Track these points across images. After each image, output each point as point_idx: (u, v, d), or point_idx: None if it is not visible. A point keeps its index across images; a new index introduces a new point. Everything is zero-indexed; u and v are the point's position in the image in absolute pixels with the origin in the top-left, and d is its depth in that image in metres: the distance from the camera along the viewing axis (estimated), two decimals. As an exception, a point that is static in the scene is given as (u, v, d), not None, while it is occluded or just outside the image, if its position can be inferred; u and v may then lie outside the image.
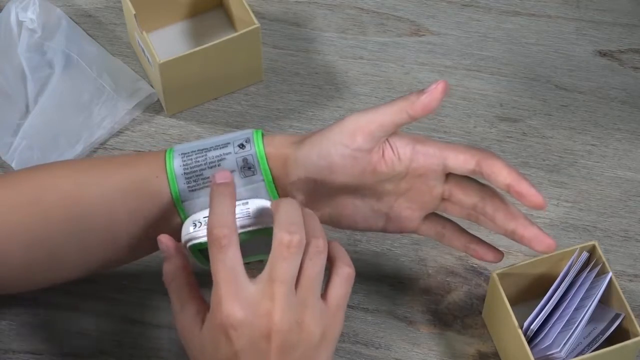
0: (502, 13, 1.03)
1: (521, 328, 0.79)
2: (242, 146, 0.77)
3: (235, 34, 0.94)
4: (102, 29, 1.02)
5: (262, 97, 0.98)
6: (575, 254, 0.81)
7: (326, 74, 1.00)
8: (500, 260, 0.81)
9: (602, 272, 0.81)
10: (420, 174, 0.77)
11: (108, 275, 0.87)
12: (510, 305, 0.80)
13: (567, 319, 0.79)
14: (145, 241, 0.78)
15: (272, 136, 0.78)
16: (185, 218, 0.76)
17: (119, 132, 0.97)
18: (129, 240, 0.78)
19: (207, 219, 0.73)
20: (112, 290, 0.88)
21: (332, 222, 0.80)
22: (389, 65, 1.00)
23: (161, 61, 0.92)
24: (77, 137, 0.95)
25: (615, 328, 0.80)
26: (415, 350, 0.85)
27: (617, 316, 0.81)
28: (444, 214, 0.80)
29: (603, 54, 1.01)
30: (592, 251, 0.82)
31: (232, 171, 0.76)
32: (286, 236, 0.69)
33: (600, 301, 0.80)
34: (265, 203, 0.74)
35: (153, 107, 0.98)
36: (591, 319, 0.80)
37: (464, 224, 0.81)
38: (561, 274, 0.80)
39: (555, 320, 0.79)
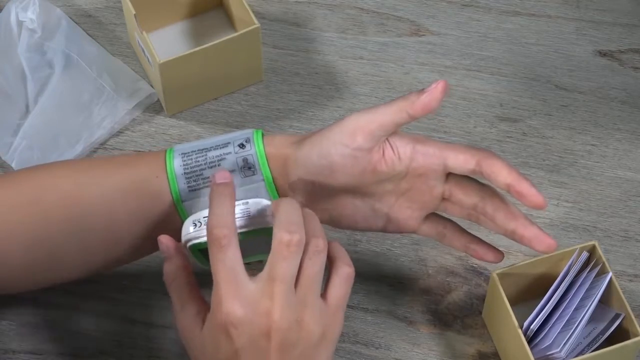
0: (502, 13, 1.03)
1: (521, 328, 0.79)
2: (242, 146, 0.77)
3: (235, 34, 0.94)
4: (102, 29, 1.02)
5: (262, 97, 0.98)
6: (575, 254, 0.81)
7: (326, 74, 1.00)
8: (501, 260, 0.81)
9: (602, 272, 0.81)
10: (420, 173, 0.77)
11: (108, 275, 0.87)
12: (510, 305, 0.80)
13: (567, 319, 0.79)
14: (146, 241, 0.78)
15: (272, 136, 0.78)
16: (186, 218, 0.76)
17: (119, 132, 0.97)
18: (129, 240, 0.78)
19: (207, 219, 0.73)
20: (113, 290, 0.88)
21: (332, 222, 0.80)
22: (389, 65, 1.00)
23: (161, 61, 0.92)
24: (77, 137, 0.95)
25: (615, 328, 0.80)
26: (415, 351, 0.85)
27: (617, 316, 0.81)
28: (444, 214, 0.80)
29: (603, 54, 1.01)
30: (592, 251, 0.82)
31: (232, 171, 0.76)
32: (286, 235, 0.69)
33: (600, 301, 0.80)
34: (266, 203, 0.74)
35: (153, 107, 0.98)
36: (591, 319, 0.80)
37: (464, 224, 0.81)
38: (561, 274, 0.80)
39: (555, 320, 0.79)
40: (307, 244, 0.70)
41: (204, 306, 0.72)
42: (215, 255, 0.69)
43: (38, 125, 0.96)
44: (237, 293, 0.69)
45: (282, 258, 0.69)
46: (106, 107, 0.97)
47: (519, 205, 0.79)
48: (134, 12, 0.94)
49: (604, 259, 0.81)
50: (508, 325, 0.80)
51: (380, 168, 0.76)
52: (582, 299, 0.80)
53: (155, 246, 0.77)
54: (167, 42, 1.00)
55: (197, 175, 0.76)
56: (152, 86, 0.98)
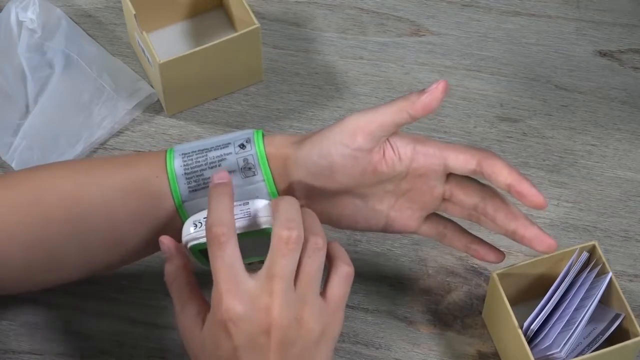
0: (502, 13, 1.03)
1: (521, 328, 0.79)
2: (242, 146, 0.77)
3: (235, 34, 0.94)
4: (102, 29, 1.02)
5: (262, 97, 0.98)
6: (575, 254, 0.81)
7: (326, 74, 1.00)
8: (502, 260, 0.81)
9: (602, 272, 0.81)
10: (420, 174, 0.77)
11: (108, 275, 0.87)
12: (510, 305, 0.80)
13: (567, 319, 0.79)
14: (146, 242, 0.78)
15: (273, 136, 0.78)
16: (186, 218, 0.76)
17: (119, 132, 0.97)
18: (130, 241, 0.78)
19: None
20: (113, 291, 0.88)
21: (333, 222, 0.80)
22: (389, 65, 1.00)
23: (161, 61, 0.92)
24: (77, 137, 0.95)
25: (615, 328, 0.80)
26: (415, 351, 0.85)
27: (617, 316, 0.81)
28: (445, 215, 0.80)
29: (603, 54, 1.01)
30: (592, 251, 0.82)
31: (233, 171, 0.76)
32: (285, 232, 0.69)
33: (600, 301, 0.80)
34: (266, 203, 0.74)
35: (153, 107, 0.98)
36: (591, 319, 0.80)
37: (464, 224, 0.81)
38: (561, 274, 0.80)
39: (555, 321, 0.79)
40: (306, 242, 0.70)
41: (205, 306, 0.72)
42: (215, 252, 0.69)
43: (38, 125, 0.96)
44: (236, 290, 0.69)
45: (281, 255, 0.69)
46: (106, 107, 0.97)
47: (519, 206, 0.79)
48: (134, 12, 0.94)
49: (604, 259, 0.81)
50: (508, 325, 0.80)
51: (380, 168, 0.76)
52: (582, 299, 0.80)
53: (155, 247, 0.77)
54: (167, 42, 1.00)
55: (197, 176, 0.76)
56: (152, 86, 0.98)
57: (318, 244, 0.70)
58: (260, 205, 0.74)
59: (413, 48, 1.01)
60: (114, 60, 1.00)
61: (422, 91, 0.74)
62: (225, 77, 0.97)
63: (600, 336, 0.81)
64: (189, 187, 0.76)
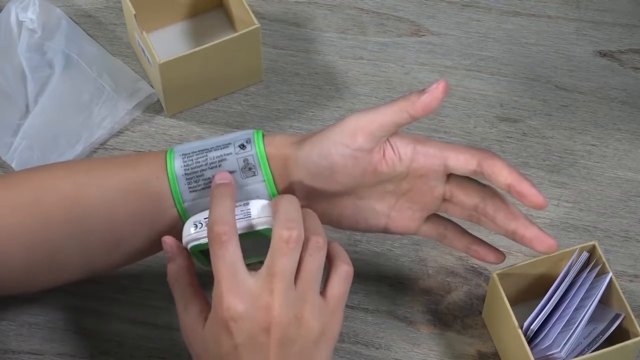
0: (502, 13, 1.03)
1: (521, 328, 0.79)
2: (242, 147, 0.77)
3: (235, 34, 0.94)
4: (102, 29, 1.02)
5: (262, 97, 0.98)
6: (575, 254, 0.81)
7: (326, 74, 1.00)
8: (502, 261, 0.81)
9: (602, 272, 0.81)
10: (421, 174, 0.77)
11: (109, 275, 0.87)
12: (510, 305, 0.80)
13: (567, 319, 0.79)
14: (146, 242, 0.78)
15: (273, 136, 0.78)
16: (186, 219, 0.76)
17: (119, 132, 0.97)
18: (130, 241, 0.78)
19: (207, 219, 0.73)
20: (113, 291, 0.88)
21: (333, 223, 0.80)
22: (389, 65, 1.00)
23: (161, 61, 0.92)
24: (77, 137, 0.95)
25: (615, 328, 0.80)
26: (415, 351, 0.85)
27: (617, 316, 0.81)
28: (445, 215, 0.80)
29: (603, 54, 1.01)
30: (592, 251, 0.82)
31: (233, 172, 0.76)
32: (285, 232, 0.69)
33: (600, 301, 0.80)
34: (266, 204, 0.74)
35: (153, 107, 0.98)
36: (591, 319, 0.80)
37: (464, 225, 0.81)
38: (561, 274, 0.80)
39: (555, 321, 0.79)
40: (307, 241, 0.70)
41: (207, 306, 0.73)
42: (216, 251, 0.70)
43: (38, 125, 0.95)
44: (237, 288, 0.69)
45: (281, 254, 0.69)
46: (106, 107, 0.97)
47: (519, 206, 0.79)
48: (134, 12, 0.94)
49: (604, 259, 0.81)
50: (508, 325, 0.80)
51: (380, 169, 0.76)
52: (582, 299, 0.80)
53: (155, 247, 0.78)
54: (167, 42, 1.00)
55: (197, 176, 0.76)
56: (152, 86, 0.98)
57: (319, 243, 0.71)
58: (261, 205, 0.74)
59: (413, 48, 1.01)
60: (114, 60, 1.00)
61: (422, 91, 0.74)
62: (225, 77, 0.97)
63: (600, 336, 0.81)
64: (189, 188, 0.76)
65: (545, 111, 0.97)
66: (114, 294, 0.88)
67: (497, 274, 0.81)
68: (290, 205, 0.71)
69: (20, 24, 0.99)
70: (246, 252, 0.71)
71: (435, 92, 0.74)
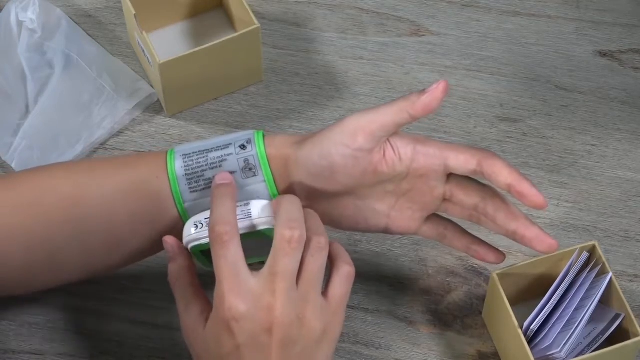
0: (502, 13, 1.03)
1: (521, 328, 0.79)
2: (243, 147, 0.77)
3: (235, 34, 0.94)
4: (102, 29, 1.02)
5: (262, 97, 0.98)
6: (575, 254, 0.81)
7: (326, 74, 1.00)
8: (502, 261, 0.81)
9: (602, 272, 0.81)
10: (421, 174, 0.77)
11: (109, 275, 0.87)
12: (510, 305, 0.80)
13: (567, 319, 0.79)
14: (147, 243, 0.78)
15: (273, 137, 0.78)
16: (187, 219, 0.76)
17: (119, 133, 0.97)
18: (130, 241, 0.78)
19: (208, 220, 0.73)
20: (113, 291, 0.88)
21: (333, 223, 0.80)
22: (389, 65, 1.00)
23: (161, 61, 0.92)
24: (77, 137, 0.95)
25: (615, 328, 0.80)
26: (415, 351, 0.85)
27: (617, 316, 0.81)
28: (445, 215, 0.80)
29: (603, 54, 1.01)
30: (592, 251, 0.82)
31: (234, 172, 0.76)
32: (287, 232, 0.69)
33: (600, 301, 0.80)
34: (267, 204, 0.74)
35: (153, 107, 0.98)
36: (591, 319, 0.80)
37: (464, 225, 0.81)
38: (561, 274, 0.80)
39: (555, 321, 0.79)
40: (309, 241, 0.71)
41: (208, 306, 0.73)
42: (218, 252, 0.70)
43: (38, 125, 0.95)
44: (239, 288, 0.69)
45: (283, 254, 0.69)
46: (106, 107, 0.97)
47: (519, 206, 0.79)
48: (134, 12, 0.94)
49: (604, 259, 0.81)
50: (508, 325, 0.80)
51: (381, 169, 0.76)
52: (582, 299, 0.80)
53: (155, 248, 0.78)
54: (167, 42, 1.00)
55: (198, 177, 0.76)
56: (152, 86, 0.98)
57: (320, 243, 0.71)
58: (262, 205, 0.74)
59: (413, 48, 1.01)
60: (114, 60, 1.00)
61: (423, 91, 0.74)
62: (225, 77, 0.97)
63: (600, 336, 0.81)
64: (189, 188, 0.76)
65: (545, 111, 0.97)
66: (114, 294, 0.88)
67: (497, 274, 0.81)
68: (292, 205, 0.71)
69: (20, 24, 0.99)
70: (247, 253, 0.71)
71: (435, 92, 0.74)
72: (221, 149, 0.76)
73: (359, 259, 0.89)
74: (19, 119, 0.96)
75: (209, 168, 0.76)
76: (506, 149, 0.95)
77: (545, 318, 0.79)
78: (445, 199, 0.79)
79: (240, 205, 0.74)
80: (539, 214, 0.91)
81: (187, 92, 0.96)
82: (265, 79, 0.99)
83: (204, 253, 0.74)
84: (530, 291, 0.84)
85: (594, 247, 0.82)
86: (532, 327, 0.79)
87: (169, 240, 0.75)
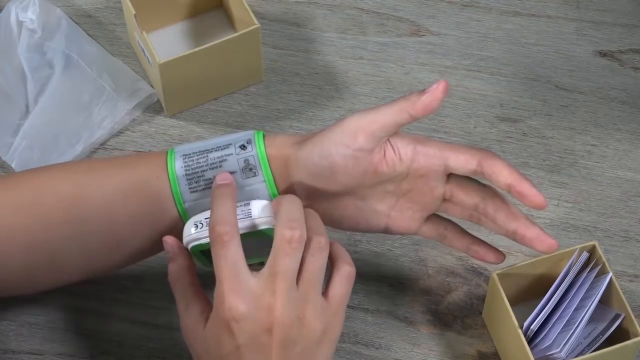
0: (502, 13, 1.03)
1: (521, 328, 0.79)
2: (243, 147, 0.77)
3: (235, 34, 0.94)
4: (102, 29, 1.02)
5: (262, 97, 0.98)
6: (575, 254, 0.81)
7: (326, 74, 1.00)
8: (502, 261, 0.81)
9: (602, 272, 0.81)
10: (421, 174, 0.77)
11: (109, 275, 0.87)
12: (510, 305, 0.80)
13: (567, 319, 0.79)
14: (147, 243, 0.78)
15: (273, 137, 0.78)
16: (187, 220, 0.76)
17: (119, 133, 0.97)
18: (130, 242, 0.78)
19: (208, 220, 0.73)
20: (113, 291, 0.88)
21: (334, 223, 0.80)
22: (389, 65, 1.00)
23: (161, 61, 0.92)
24: (77, 137, 0.95)
25: (615, 328, 0.80)
26: (415, 351, 0.85)
27: (617, 316, 0.81)
28: (445, 215, 0.80)
29: (603, 54, 1.01)
30: (592, 251, 0.82)
31: (234, 172, 0.76)
32: (287, 232, 0.69)
33: (600, 301, 0.80)
34: (267, 204, 0.74)
35: (153, 107, 0.98)
36: (591, 319, 0.80)
37: (464, 225, 0.81)
38: (561, 274, 0.80)
39: (555, 321, 0.79)
40: (309, 241, 0.71)
41: (208, 306, 0.73)
42: (218, 252, 0.70)
43: (38, 125, 0.95)
44: (239, 288, 0.69)
45: (284, 254, 0.69)
46: (106, 107, 0.97)
47: (519, 206, 0.79)
48: (134, 12, 0.94)
49: (604, 259, 0.81)
50: (508, 325, 0.80)
51: (381, 169, 0.76)
52: (582, 299, 0.80)
53: (155, 248, 0.78)
54: (167, 42, 1.00)
55: (198, 177, 0.76)
56: (152, 86, 0.98)
57: (321, 243, 0.71)
58: (262, 205, 0.74)
59: (413, 48, 1.01)
60: (114, 60, 1.00)
61: (423, 91, 0.75)
62: (225, 77, 0.97)
63: (600, 336, 0.81)
64: (189, 188, 0.76)
65: (545, 111, 0.97)
66: (115, 294, 0.88)
67: (497, 274, 0.81)
68: (293, 205, 0.71)
69: (20, 24, 0.99)
70: (247, 253, 0.71)
71: (435, 92, 0.74)
72: (221, 149, 0.76)
73: (359, 259, 0.89)
74: (19, 119, 0.96)
75: (209, 168, 0.76)
76: (506, 149, 0.95)
77: (545, 318, 0.79)
78: (445, 199, 0.79)
79: (241, 205, 0.74)
80: (539, 214, 0.91)
81: (187, 92, 0.96)
82: (265, 79, 0.99)
83: (204, 253, 0.74)
84: (530, 291, 0.84)
85: (594, 247, 0.82)
86: (532, 327, 0.79)
87: (169, 240, 0.75)
